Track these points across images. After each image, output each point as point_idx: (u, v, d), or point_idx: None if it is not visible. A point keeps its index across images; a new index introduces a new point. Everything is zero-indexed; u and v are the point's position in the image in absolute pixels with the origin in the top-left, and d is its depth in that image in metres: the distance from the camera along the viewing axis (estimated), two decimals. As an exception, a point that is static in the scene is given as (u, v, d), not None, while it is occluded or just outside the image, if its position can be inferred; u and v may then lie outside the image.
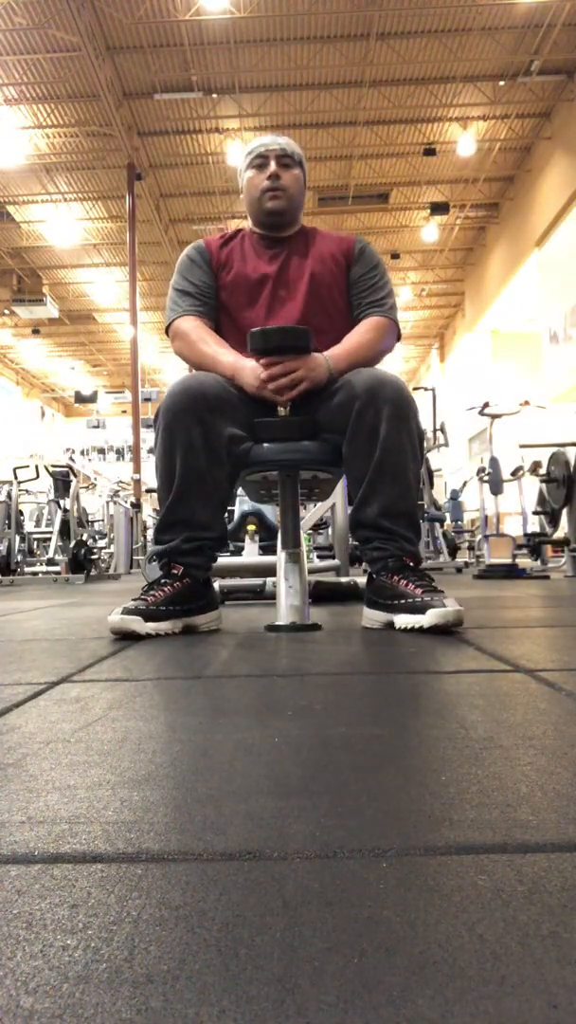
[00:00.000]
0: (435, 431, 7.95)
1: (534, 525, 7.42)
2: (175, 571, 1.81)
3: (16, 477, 7.67)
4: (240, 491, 4.30)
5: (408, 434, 1.79)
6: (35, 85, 12.24)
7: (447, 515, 10.06)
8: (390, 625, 1.76)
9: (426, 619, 1.63)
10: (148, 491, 11.35)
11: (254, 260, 2.02)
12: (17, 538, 7.47)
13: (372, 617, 1.83)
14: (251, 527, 4.20)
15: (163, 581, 1.81)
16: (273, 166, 1.99)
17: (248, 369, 1.85)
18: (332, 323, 1.97)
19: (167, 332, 2.03)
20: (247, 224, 2.12)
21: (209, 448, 1.79)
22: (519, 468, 7.00)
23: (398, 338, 2.02)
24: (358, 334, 1.94)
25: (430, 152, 14.01)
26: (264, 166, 2.00)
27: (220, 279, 2.01)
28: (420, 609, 1.66)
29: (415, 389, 13.11)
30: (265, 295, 1.98)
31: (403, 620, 1.70)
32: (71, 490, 7.96)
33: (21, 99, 12.52)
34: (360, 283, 2.01)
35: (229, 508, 4.54)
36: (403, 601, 1.72)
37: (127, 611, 1.71)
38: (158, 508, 1.89)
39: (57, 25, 10.76)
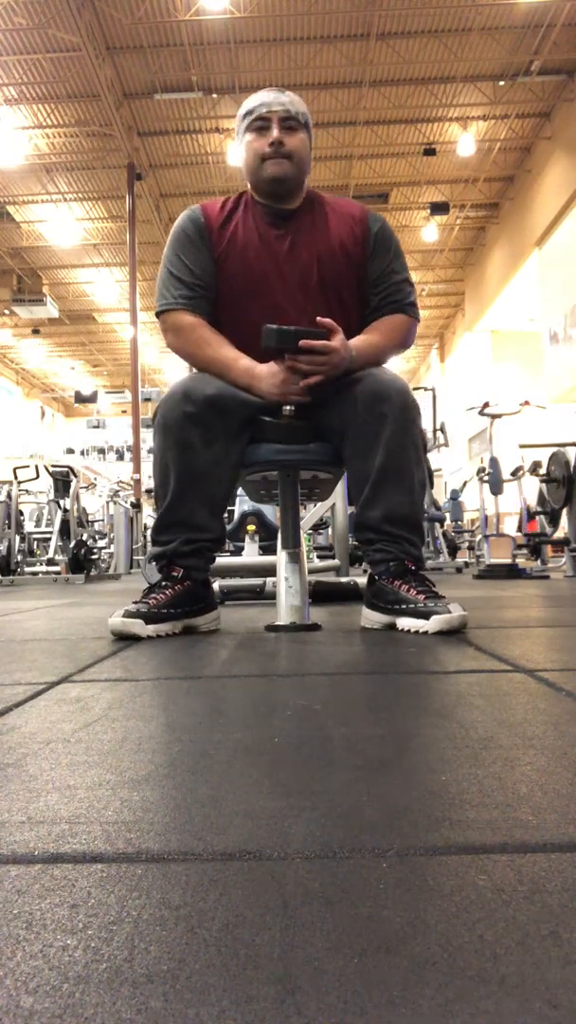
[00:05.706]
0: (435, 431, 7.95)
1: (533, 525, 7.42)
2: (175, 573, 1.80)
3: (16, 477, 7.67)
4: (240, 491, 4.30)
5: (412, 437, 1.77)
6: (35, 85, 12.24)
7: (447, 515, 10.06)
8: (390, 626, 1.76)
9: (431, 625, 1.63)
10: (148, 491, 11.35)
11: (257, 245, 1.84)
12: (17, 538, 7.47)
13: (372, 618, 1.82)
14: (251, 527, 4.20)
15: (164, 584, 1.80)
16: (276, 131, 1.79)
17: (266, 376, 1.75)
18: (341, 315, 1.84)
19: (157, 316, 1.88)
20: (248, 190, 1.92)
21: (208, 447, 1.76)
22: (519, 468, 7.00)
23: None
24: (382, 333, 1.86)
25: (430, 152, 14.02)
26: (266, 129, 1.80)
27: (220, 266, 1.84)
28: (424, 615, 1.66)
29: (415, 389, 13.07)
30: (271, 288, 1.84)
31: (407, 623, 1.70)
32: (71, 490, 7.96)
33: (21, 99, 12.52)
34: (382, 280, 1.88)
35: (229, 508, 4.54)
36: (405, 606, 1.71)
37: (128, 614, 1.71)
38: (156, 508, 1.87)
39: (57, 25, 10.76)
